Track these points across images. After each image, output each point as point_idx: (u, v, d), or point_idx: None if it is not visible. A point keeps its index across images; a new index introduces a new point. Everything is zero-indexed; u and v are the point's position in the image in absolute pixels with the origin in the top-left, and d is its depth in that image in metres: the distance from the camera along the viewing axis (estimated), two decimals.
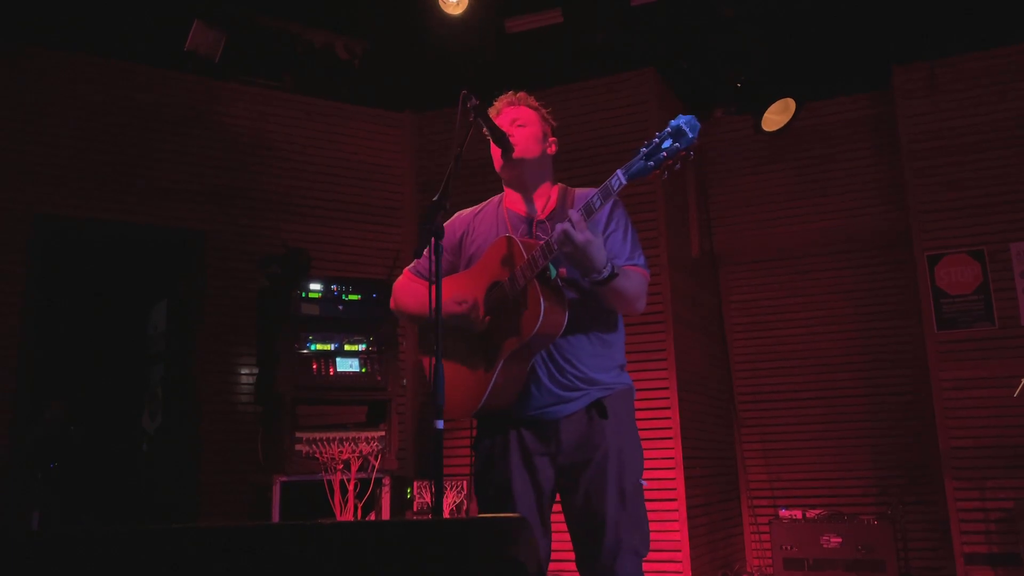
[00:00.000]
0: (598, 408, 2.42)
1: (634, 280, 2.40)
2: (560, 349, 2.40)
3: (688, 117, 2.18)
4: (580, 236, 2.20)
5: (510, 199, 2.62)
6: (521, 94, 2.63)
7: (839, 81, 5.60)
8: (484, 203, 2.69)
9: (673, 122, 2.18)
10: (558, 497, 2.50)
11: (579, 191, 2.57)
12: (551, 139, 2.62)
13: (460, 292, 2.46)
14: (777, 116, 5.35)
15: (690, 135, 2.16)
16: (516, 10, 4.87)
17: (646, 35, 5.01)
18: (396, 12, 4.83)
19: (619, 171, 2.23)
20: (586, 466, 2.40)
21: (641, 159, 2.20)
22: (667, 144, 2.17)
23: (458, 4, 4.55)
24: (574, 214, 2.24)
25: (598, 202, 2.25)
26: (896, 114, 5.32)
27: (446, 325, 2.36)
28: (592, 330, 2.45)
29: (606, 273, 2.28)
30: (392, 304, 2.73)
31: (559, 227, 2.23)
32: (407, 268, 2.75)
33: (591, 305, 2.43)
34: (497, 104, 2.61)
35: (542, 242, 2.30)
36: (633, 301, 2.41)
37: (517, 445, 2.45)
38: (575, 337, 2.41)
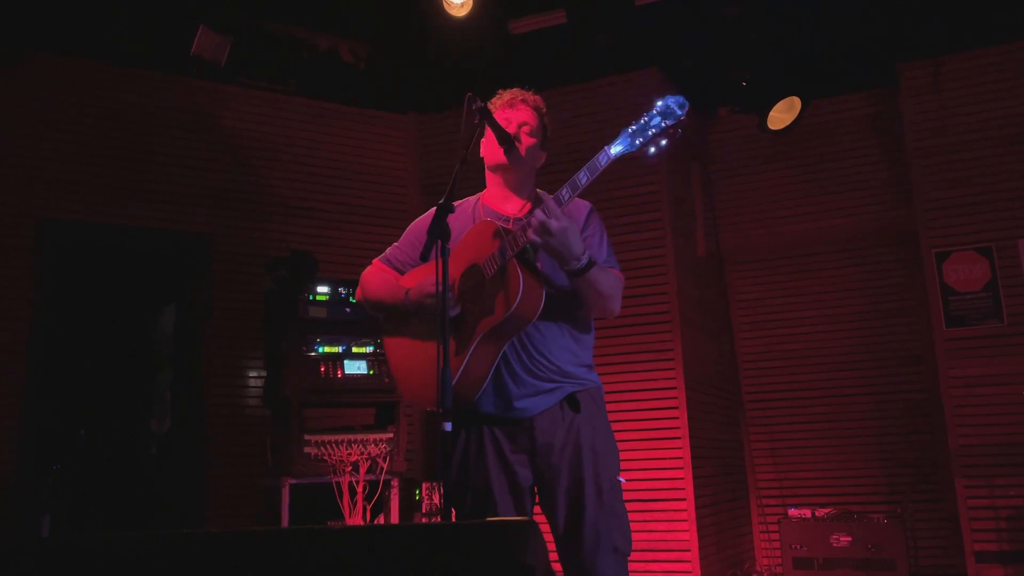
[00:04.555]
0: (571, 402, 2.43)
1: (610, 277, 2.43)
2: (533, 340, 2.41)
3: (676, 96, 2.23)
4: (555, 223, 2.23)
5: (490, 196, 2.62)
6: (537, 98, 2.62)
7: (844, 79, 5.58)
8: (462, 200, 2.68)
9: (660, 102, 2.23)
10: (538, 500, 2.48)
11: None
12: (542, 153, 2.63)
13: (434, 276, 2.43)
14: (782, 114, 5.34)
15: (678, 112, 2.21)
16: (520, 11, 4.87)
17: (650, 34, 5.00)
18: (400, 14, 4.83)
19: (606, 147, 2.27)
20: (562, 464, 2.39)
21: (627, 136, 2.25)
22: (655, 122, 2.23)
23: (462, 5, 4.54)
24: (548, 201, 2.26)
25: (584, 177, 2.28)
26: (901, 111, 5.31)
27: (418, 309, 2.42)
28: (565, 325, 2.46)
29: (584, 261, 2.30)
30: (359, 294, 2.71)
31: (536, 214, 2.25)
32: (376, 258, 2.74)
33: (566, 302, 2.44)
34: (511, 95, 2.60)
35: (522, 224, 2.31)
36: (608, 298, 2.43)
37: (492, 448, 2.43)
38: (548, 330, 2.42)
